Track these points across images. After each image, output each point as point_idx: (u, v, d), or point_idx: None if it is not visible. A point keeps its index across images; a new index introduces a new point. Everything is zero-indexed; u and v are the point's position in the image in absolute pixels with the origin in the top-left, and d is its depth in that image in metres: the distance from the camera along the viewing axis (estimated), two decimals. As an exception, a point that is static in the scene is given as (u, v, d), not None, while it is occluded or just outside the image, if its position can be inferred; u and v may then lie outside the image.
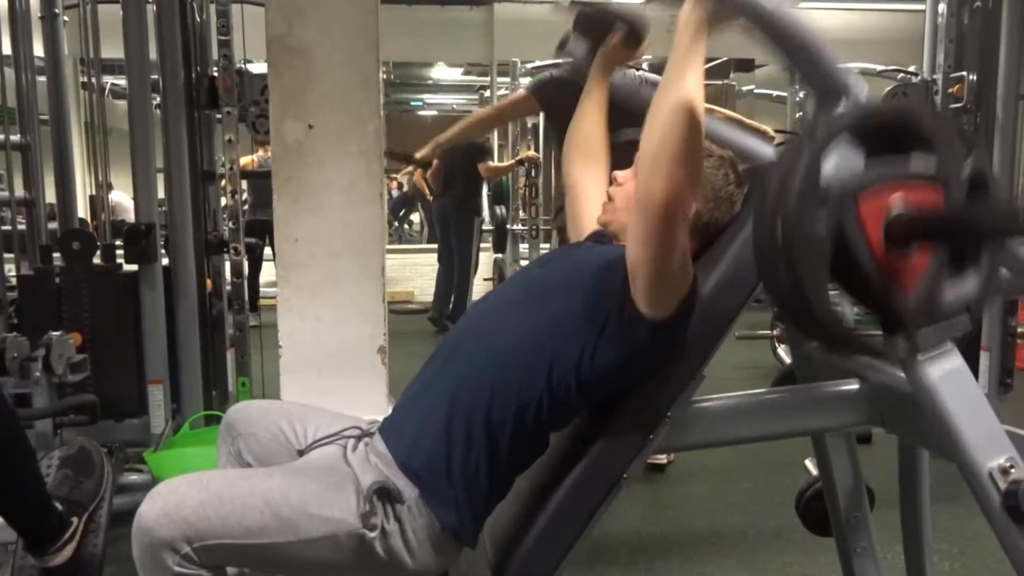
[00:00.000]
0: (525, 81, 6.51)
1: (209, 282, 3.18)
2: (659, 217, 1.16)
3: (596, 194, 1.60)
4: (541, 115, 3.72)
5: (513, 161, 6.34)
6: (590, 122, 1.68)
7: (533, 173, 6.03)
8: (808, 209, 0.94)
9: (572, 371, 1.31)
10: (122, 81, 2.89)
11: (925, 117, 1.01)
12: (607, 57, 1.63)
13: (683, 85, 1.15)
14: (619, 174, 1.51)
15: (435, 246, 6.73)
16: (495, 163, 6.31)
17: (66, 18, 3.33)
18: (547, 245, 5.80)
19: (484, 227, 6.62)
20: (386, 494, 1.27)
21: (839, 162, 0.97)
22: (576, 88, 1.72)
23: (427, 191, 6.96)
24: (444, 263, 6.38)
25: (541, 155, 6.17)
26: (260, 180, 5.47)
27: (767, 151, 1.55)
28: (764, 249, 0.97)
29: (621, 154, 1.63)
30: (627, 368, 1.32)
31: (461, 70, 10.69)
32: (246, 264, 3.16)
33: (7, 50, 3.10)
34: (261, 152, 6.25)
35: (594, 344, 1.31)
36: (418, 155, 3.82)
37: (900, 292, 0.98)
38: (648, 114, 1.19)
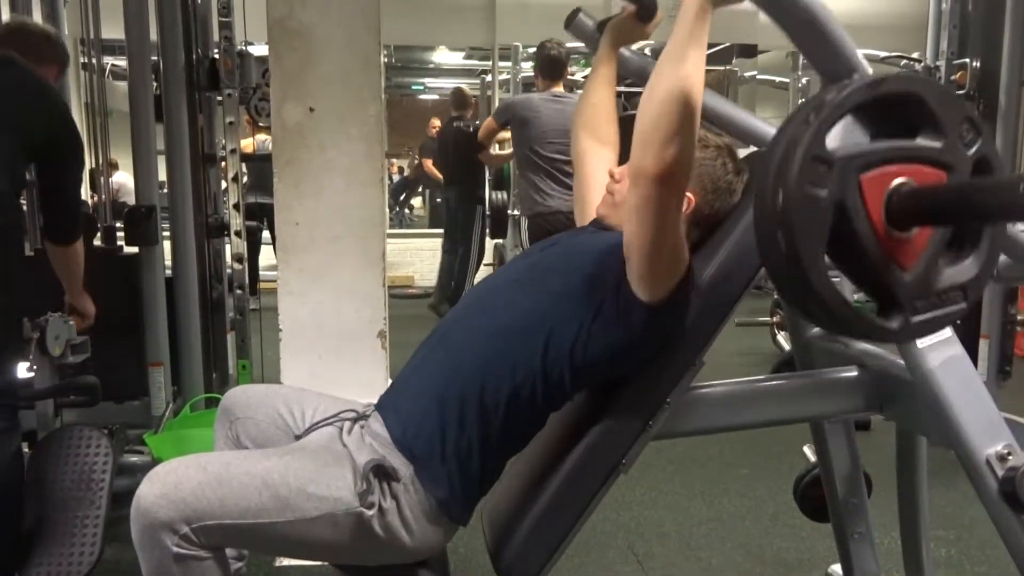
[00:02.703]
0: (527, 65, 6.50)
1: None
2: (651, 192, 1.17)
3: (603, 176, 1.58)
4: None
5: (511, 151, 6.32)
6: (599, 97, 1.66)
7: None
8: (811, 175, 0.92)
9: (566, 354, 1.31)
10: (122, 62, 2.88)
11: (934, 95, 0.99)
12: (617, 31, 1.62)
13: (683, 66, 1.14)
14: (615, 170, 1.51)
15: (435, 231, 6.74)
16: (496, 152, 6.30)
17: (66, -2, 3.31)
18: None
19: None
20: (382, 472, 1.27)
21: (844, 136, 0.96)
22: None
23: (439, 177, 7.07)
24: (448, 253, 6.37)
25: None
26: (259, 163, 5.45)
27: (767, 131, 1.54)
28: (764, 214, 0.95)
29: (629, 129, 1.65)
30: (620, 356, 1.32)
31: (463, 54, 10.63)
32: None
33: (7, 30, 3.09)
34: (261, 135, 6.26)
35: (589, 327, 1.31)
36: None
37: (897, 270, 0.98)
38: (646, 90, 1.18)
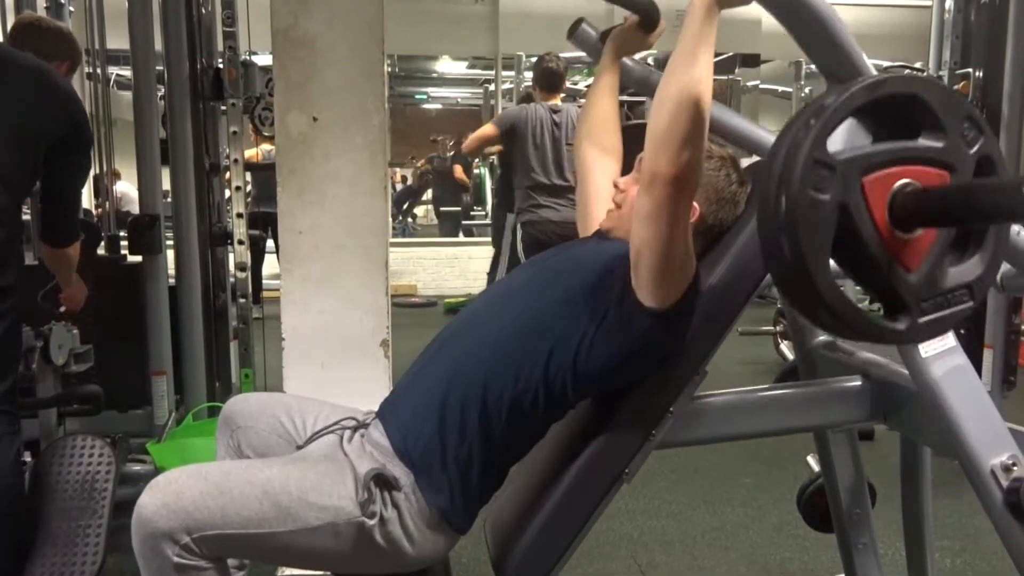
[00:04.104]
0: (530, 75, 6.54)
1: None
2: (664, 195, 1.17)
3: (606, 186, 1.58)
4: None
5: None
6: (602, 106, 1.67)
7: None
8: (813, 179, 0.92)
9: (569, 363, 1.31)
10: (127, 72, 2.89)
11: (934, 95, 0.99)
12: (620, 41, 1.62)
13: (693, 68, 1.15)
14: (620, 181, 1.51)
15: (439, 240, 6.79)
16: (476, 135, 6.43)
17: (71, 8, 3.33)
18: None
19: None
20: (383, 481, 1.27)
21: (846, 139, 0.96)
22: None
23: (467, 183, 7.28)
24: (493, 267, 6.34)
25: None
26: (264, 172, 5.48)
27: (769, 140, 1.53)
28: (767, 219, 0.95)
29: (631, 138, 1.64)
30: (623, 365, 1.32)
31: (466, 63, 10.68)
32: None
33: (12, 40, 3.10)
34: (266, 145, 6.30)
35: (592, 336, 1.30)
36: None
37: (902, 271, 0.97)
38: (657, 94, 1.19)
